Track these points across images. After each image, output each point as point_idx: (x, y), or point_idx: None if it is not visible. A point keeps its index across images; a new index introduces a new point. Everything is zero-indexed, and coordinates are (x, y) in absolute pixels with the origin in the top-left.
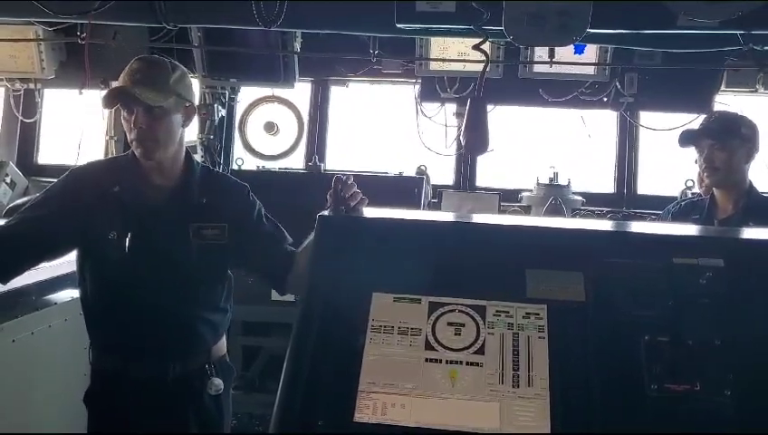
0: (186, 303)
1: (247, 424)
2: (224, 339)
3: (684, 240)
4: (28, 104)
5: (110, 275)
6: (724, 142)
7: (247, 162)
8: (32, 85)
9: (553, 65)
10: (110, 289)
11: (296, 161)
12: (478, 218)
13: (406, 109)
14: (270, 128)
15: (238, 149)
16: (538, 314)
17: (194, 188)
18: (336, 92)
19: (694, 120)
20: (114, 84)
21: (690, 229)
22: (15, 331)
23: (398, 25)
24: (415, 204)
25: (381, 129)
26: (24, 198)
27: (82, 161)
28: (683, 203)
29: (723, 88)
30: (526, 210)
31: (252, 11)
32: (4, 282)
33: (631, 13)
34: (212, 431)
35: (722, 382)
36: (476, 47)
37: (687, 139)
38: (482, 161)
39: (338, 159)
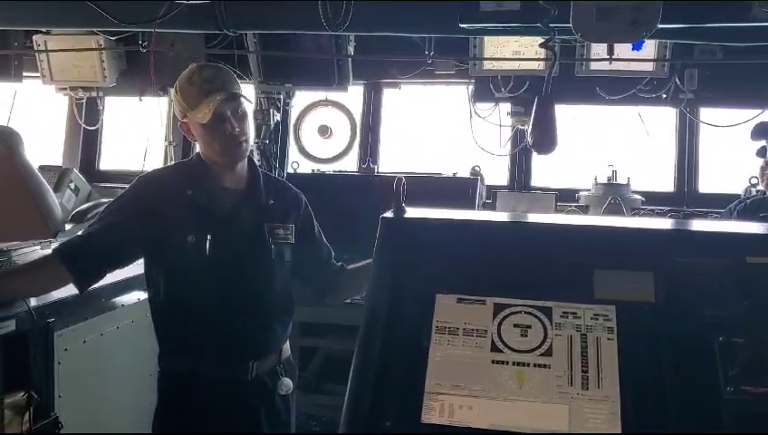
0: (264, 302)
1: (305, 425)
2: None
3: (757, 238)
4: (90, 112)
5: (189, 278)
6: None
7: (302, 166)
8: (94, 93)
9: (612, 62)
10: (191, 293)
11: (350, 164)
12: (542, 218)
13: (459, 109)
14: (324, 131)
15: (293, 153)
16: (607, 316)
17: (261, 189)
18: (388, 95)
19: (757, 116)
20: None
21: (763, 227)
22: (86, 332)
23: (462, 25)
24: (469, 205)
25: (434, 130)
26: (89, 204)
27: (149, 167)
28: (748, 201)
29: None
30: (584, 210)
31: (312, 16)
32: (83, 290)
33: (701, 5)
34: (283, 432)
35: None
36: (544, 45)
37: (762, 131)
38: (537, 161)
39: (391, 161)
